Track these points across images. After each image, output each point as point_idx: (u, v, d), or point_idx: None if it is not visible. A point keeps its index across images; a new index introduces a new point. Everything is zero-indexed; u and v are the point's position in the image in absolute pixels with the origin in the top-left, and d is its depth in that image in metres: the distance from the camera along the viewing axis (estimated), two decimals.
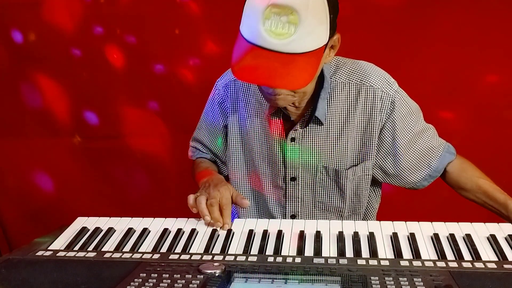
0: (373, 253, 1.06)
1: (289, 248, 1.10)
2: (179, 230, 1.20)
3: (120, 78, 2.32)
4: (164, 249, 1.13)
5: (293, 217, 1.43)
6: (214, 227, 1.20)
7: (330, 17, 1.09)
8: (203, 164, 1.52)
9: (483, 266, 0.96)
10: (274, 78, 1.07)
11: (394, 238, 1.11)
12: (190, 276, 0.94)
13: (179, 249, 1.12)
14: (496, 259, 1.03)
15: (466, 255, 1.04)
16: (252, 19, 1.06)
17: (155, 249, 1.12)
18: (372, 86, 1.31)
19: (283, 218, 1.44)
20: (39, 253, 1.09)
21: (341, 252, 1.06)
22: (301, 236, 1.14)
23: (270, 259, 1.01)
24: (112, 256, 1.06)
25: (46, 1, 2.24)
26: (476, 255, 1.04)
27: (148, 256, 1.05)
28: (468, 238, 1.10)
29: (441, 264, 0.97)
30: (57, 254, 1.08)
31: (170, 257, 1.04)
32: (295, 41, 1.05)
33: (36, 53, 2.32)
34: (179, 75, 2.28)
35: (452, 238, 1.11)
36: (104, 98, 2.37)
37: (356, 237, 1.12)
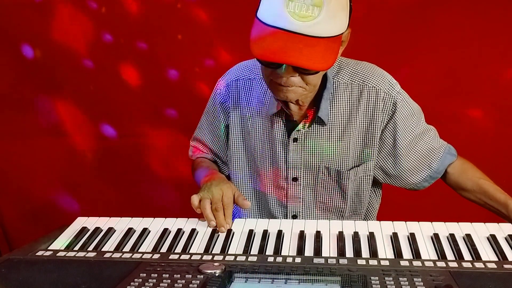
0: (373, 253, 1.06)
1: (289, 248, 1.10)
2: (179, 230, 1.20)
3: (122, 75, 2.33)
4: (164, 249, 1.12)
5: (294, 217, 1.43)
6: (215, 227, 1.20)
7: (350, 5, 1.11)
8: (203, 163, 1.52)
9: (483, 266, 0.96)
10: (299, 57, 1.07)
11: (394, 238, 1.11)
12: (190, 276, 0.94)
13: (179, 249, 1.12)
14: (496, 259, 1.03)
15: (466, 255, 1.04)
16: (274, 2, 1.06)
17: (155, 249, 1.11)
18: (374, 87, 1.31)
19: (284, 218, 1.44)
20: (39, 253, 1.09)
21: (341, 252, 1.06)
22: (301, 236, 1.14)
23: (270, 259, 1.01)
24: (112, 256, 1.06)
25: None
26: (476, 255, 1.04)
27: (148, 256, 1.05)
28: (468, 238, 1.10)
29: (441, 264, 0.97)
30: (57, 254, 1.08)
31: (170, 257, 1.04)
32: (319, 23, 1.05)
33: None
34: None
35: (452, 238, 1.11)
36: (104, 98, 2.37)
37: (356, 237, 1.12)
